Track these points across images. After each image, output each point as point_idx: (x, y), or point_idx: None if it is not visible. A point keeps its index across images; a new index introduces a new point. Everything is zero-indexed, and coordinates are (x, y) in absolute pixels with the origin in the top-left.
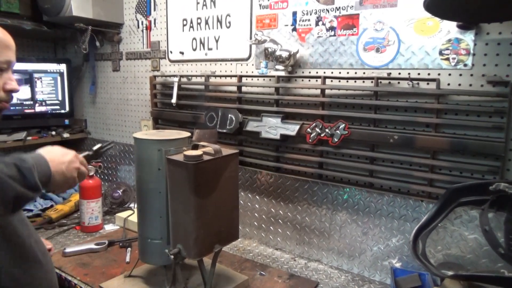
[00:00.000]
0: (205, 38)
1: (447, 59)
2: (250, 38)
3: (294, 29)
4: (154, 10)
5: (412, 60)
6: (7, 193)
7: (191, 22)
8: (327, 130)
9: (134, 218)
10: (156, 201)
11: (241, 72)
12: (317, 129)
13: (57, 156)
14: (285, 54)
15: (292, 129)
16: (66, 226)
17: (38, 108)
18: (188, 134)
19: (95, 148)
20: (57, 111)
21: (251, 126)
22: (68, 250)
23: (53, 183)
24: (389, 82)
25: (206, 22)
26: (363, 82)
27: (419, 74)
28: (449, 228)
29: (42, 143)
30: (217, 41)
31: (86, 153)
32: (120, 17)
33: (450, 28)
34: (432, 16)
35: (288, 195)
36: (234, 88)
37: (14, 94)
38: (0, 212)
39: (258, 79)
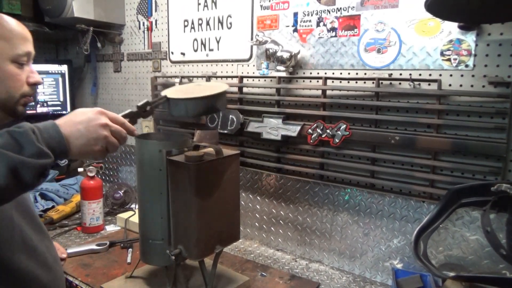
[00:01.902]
0: (206, 39)
1: (449, 59)
2: (251, 39)
3: (295, 30)
4: (155, 11)
5: (413, 61)
6: None
7: (192, 23)
8: (328, 131)
9: (135, 219)
10: (157, 202)
11: (242, 73)
12: (318, 130)
13: (70, 118)
14: (286, 55)
15: (293, 130)
16: (67, 227)
17: (40, 109)
18: (225, 87)
19: (140, 103)
20: (59, 112)
21: (252, 127)
22: (69, 251)
23: (74, 148)
24: (390, 83)
25: (207, 23)
26: (364, 83)
27: (420, 75)
28: (451, 229)
29: None
30: (218, 42)
31: (128, 111)
32: (121, 18)
33: (451, 28)
34: (433, 17)
35: (289, 196)
36: (235, 89)
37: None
38: None
39: (259, 80)
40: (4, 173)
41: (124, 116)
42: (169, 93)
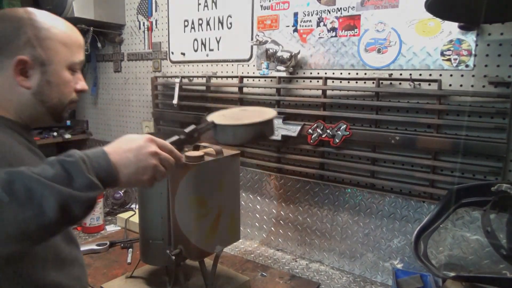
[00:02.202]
0: (207, 39)
1: (449, 60)
2: (251, 39)
3: (295, 30)
4: (156, 11)
5: (414, 61)
6: (47, 199)
7: (193, 23)
8: (328, 131)
9: (135, 219)
10: (157, 202)
11: (243, 73)
12: (319, 130)
13: (120, 145)
14: (286, 55)
15: (293, 130)
16: None
17: None
18: (273, 113)
19: (187, 130)
20: None
21: None
22: None
23: (122, 178)
24: (391, 83)
25: (208, 23)
26: (365, 83)
27: (420, 75)
28: (451, 229)
29: (43, 144)
30: (218, 42)
31: (175, 137)
32: (121, 18)
33: (451, 29)
34: (433, 17)
35: (289, 196)
36: (236, 89)
37: None
38: (43, 224)
39: (259, 80)
40: (55, 208)
41: (172, 143)
42: (215, 118)
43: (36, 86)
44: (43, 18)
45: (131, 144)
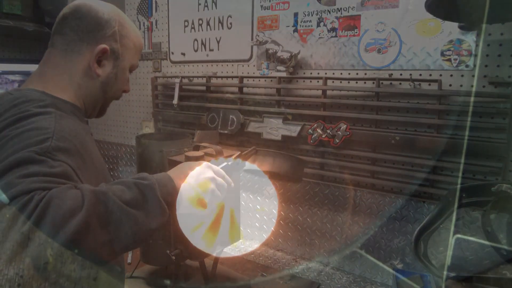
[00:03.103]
0: (207, 39)
1: (449, 60)
2: (252, 39)
3: (296, 30)
4: (156, 11)
5: (414, 61)
6: (124, 227)
7: (193, 23)
8: (328, 131)
9: None
10: None
11: (243, 73)
12: (319, 130)
13: (181, 171)
14: (286, 55)
15: (293, 130)
16: None
17: None
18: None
19: (233, 156)
20: None
21: (253, 127)
22: None
23: (183, 203)
24: (391, 83)
25: (208, 23)
26: (365, 83)
27: (420, 75)
28: (451, 229)
29: None
30: (218, 42)
31: (224, 164)
32: None
33: (451, 29)
34: (433, 17)
35: (289, 196)
36: (236, 89)
37: None
38: (115, 249)
39: (259, 80)
40: (128, 236)
41: (222, 169)
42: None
43: (105, 76)
44: (126, 18)
45: (191, 170)
